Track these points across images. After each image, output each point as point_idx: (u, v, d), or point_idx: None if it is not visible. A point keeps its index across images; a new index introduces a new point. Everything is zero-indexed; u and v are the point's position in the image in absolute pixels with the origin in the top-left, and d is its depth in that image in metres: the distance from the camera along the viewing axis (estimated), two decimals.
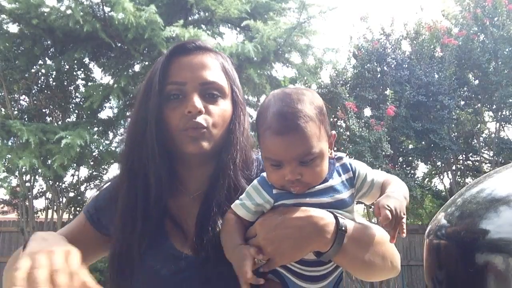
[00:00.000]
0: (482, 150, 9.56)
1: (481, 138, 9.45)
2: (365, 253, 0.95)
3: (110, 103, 6.43)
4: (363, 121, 7.57)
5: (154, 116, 1.03)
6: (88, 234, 1.13)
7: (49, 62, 6.14)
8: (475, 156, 9.83)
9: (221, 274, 0.95)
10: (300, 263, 0.95)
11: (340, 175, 0.99)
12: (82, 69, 6.81)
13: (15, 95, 6.90)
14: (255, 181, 1.01)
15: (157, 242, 1.03)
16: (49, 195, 7.25)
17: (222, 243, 0.97)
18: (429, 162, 9.88)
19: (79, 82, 7.05)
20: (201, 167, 1.09)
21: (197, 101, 1.02)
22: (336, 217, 0.92)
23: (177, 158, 1.08)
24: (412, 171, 9.53)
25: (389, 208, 0.85)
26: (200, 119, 1.02)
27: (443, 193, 10.21)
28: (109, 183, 1.20)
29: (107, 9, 5.17)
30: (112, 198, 1.13)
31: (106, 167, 7.50)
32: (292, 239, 0.90)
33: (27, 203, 6.85)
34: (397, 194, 0.91)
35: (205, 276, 0.98)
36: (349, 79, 8.98)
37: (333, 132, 1.00)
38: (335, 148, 1.06)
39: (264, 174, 1.00)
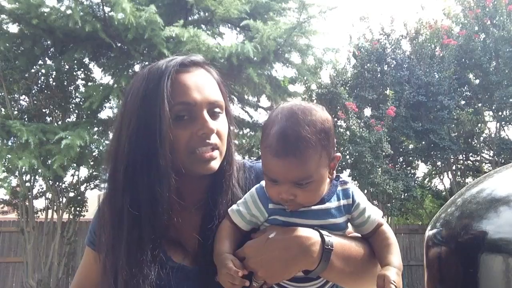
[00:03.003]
0: (482, 150, 9.56)
1: (481, 138, 9.46)
2: (354, 268, 0.96)
3: (110, 103, 6.43)
4: (363, 121, 7.58)
5: (166, 137, 1.00)
6: (98, 265, 1.10)
7: (49, 62, 6.15)
8: (475, 156, 9.84)
9: (221, 285, 0.94)
10: (289, 280, 0.96)
11: (339, 199, 0.98)
12: (82, 69, 6.82)
13: (15, 95, 6.91)
14: (253, 189, 1.01)
15: (155, 257, 1.01)
16: (49, 195, 7.25)
17: (214, 245, 0.97)
18: (429, 162, 9.89)
19: (79, 82, 7.06)
20: (200, 180, 1.09)
21: (211, 122, 1.03)
22: (322, 235, 0.93)
23: (178, 174, 1.05)
24: (412, 171, 9.54)
25: (395, 285, 0.87)
26: (213, 139, 1.03)
27: (443, 193, 10.22)
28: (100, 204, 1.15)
29: (107, 9, 5.17)
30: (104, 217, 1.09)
31: (106, 167, 7.48)
32: (280, 260, 0.91)
33: (27, 203, 6.86)
34: (398, 267, 0.93)
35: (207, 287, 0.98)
36: (349, 79, 8.98)
37: (338, 154, 0.98)
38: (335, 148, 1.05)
39: (263, 183, 1.00)
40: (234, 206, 1.01)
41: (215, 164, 1.04)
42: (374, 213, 1.00)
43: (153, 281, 0.99)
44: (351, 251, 0.97)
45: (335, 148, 0.98)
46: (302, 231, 0.93)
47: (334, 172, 0.99)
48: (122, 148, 1.04)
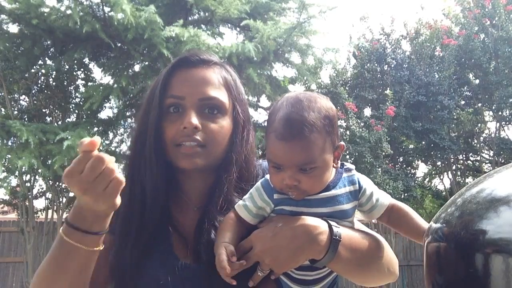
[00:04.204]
0: (482, 150, 9.56)
1: (481, 138, 9.46)
2: (360, 260, 0.96)
3: (110, 103, 6.43)
4: (362, 121, 7.58)
5: (153, 128, 1.04)
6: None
7: (49, 62, 6.15)
8: (475, 156, 9.84)
9: (224, 283, 0.94)
10: (295, 268, 0.96)
11: (345, 186, 0.99)
12: (82, 69, 6.81)
13: (15, 95, 6.90)
14: (258, 183, 1.02)
15: (161, 254, 1.03)
16: (49, 195, 7.25)
17: (216, 237, 0.98)
18: (429, 162, 9.89)
19: (79, 82, 7.06)
20: (202, 179, 1.09)
21: (194, 118, 1.02)
22: (330, 226, 0.94)
23: (178, 169, 1.08)
24: (412, 171, 9.54)
25: None
26: (198, 135, 1.02)
27: (443, 193, 10.21)
28: None
29: (106, 9, 5.17)
30: None
31: None
32: (287, 249, 0.91)
33: (27, 203, 6.86)
34: None
35: (209, 286, 0.98)
36: (349, 79, 8.99)
37: (342, 143, 0.99)
38: None
39: (268, 176, 1.01)
40: (241, 202, 1.01)
41: (198, 161, 1.03)
42: (382, 197, 1.00)
43: (159, 279, 1.00)
44: (359, 243, 0.97)
45: (339, 137, 0.99)
46: (310, 220, 0.93)
47: (339, 161, 1.00)
48: (130, 143, 1.12)
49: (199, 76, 1.06)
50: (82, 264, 0.93)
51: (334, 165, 0.98)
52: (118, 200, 0.88)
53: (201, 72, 1.07)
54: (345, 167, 1.02)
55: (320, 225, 0.93)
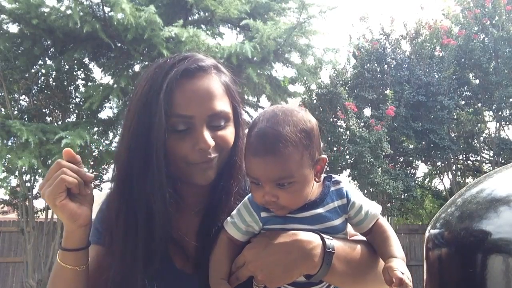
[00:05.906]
0: (482, 150, 9.56)
1: (481, 138, 9.46)
2: (357, 272, 0.95)
3: (110, 103, 6.43)
4: (363, 121, 7.58)
5: (161, 148, 0.97)
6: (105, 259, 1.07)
7: (49, 62, 6.15)
8: (475, 156, 9.84)
9: None
10: (291, 284, 0.95)
11: (333, 201, 0.96)
12: (82, 69, 6.81)
13: (15, 95, 6.90)
14: (246, 199, 0.99)
15: (159, 264, 0.99)
16: None
17: (210, 266, 0.96)
18: (429, 162, 9.89)
19: (79, 82, 7.05)
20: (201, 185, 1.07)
21: (208, 137, 0.98)
22: (323, 239, 0.92)
23: (177, 176, 1.03)
24: (412, 171, 9.54)
25: (402, 274, 0.84)
26: (212, 151, 0.99)
27: (443, 193, 10.22)
28: (101, 204, 1.14)
29: (106, 9, 5.17)
30: (105, 216, 1.08)
31: (106, 167, 7.50)
32: (280, 264, 0.90)
33: (27, 203, 6.86)
34: (401, 258, 0.90)
35: None
36: (349, 79, 8.99)
37: (323, 156, 0.96)
38: (334, 148, 1.04)
39: None
40: (229, 219, 0.99)
41: (212, 174, 1.01)
42: (372, 209, 0.98)
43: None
44: (353, 254, 0.95)
45: (321, 150, 0.96)
46: (303, 235, 0.91)
47: (322, 175, 0.97)
48: (122, 153, 1.03)
49: (203, 89, 1.00)
50: (68, 283, 0.99)
51: (317, 180, 0.95)
52: (84, 213, 0.95)
53: (204, 83, 1.01)
54: (333, 179, 0.99)
55: (313, 240, 0.91)
